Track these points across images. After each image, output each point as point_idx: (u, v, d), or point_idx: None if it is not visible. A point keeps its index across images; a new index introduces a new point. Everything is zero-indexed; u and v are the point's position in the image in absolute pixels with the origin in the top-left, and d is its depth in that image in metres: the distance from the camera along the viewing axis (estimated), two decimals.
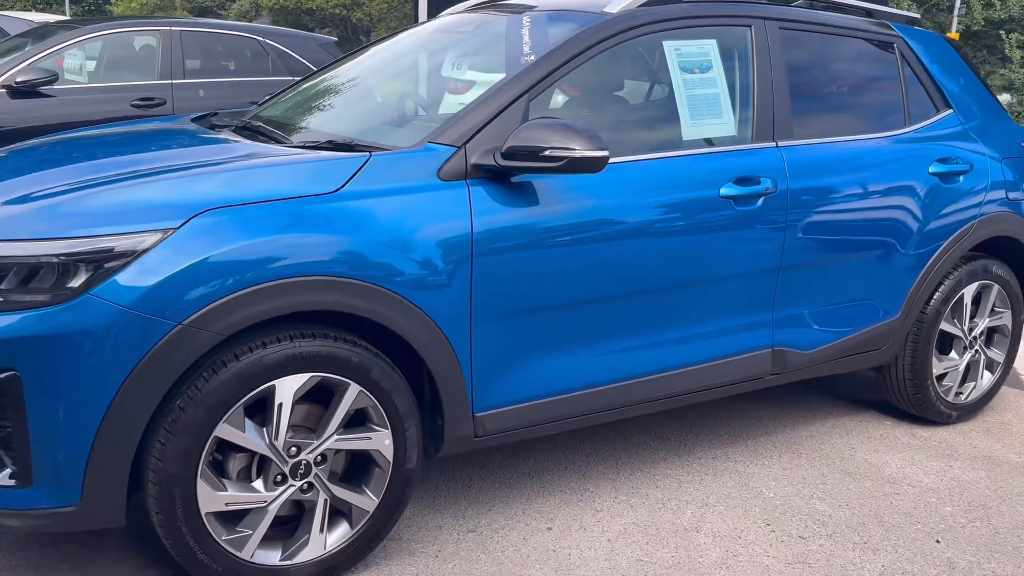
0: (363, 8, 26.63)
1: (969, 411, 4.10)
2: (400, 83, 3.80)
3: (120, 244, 2.27)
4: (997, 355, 4.11)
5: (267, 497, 2.50)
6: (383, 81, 3.78)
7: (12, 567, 2.65)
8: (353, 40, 26.85)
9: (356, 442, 2.61)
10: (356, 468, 2.68)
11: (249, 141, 2.99)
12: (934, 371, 3.90)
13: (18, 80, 6.43)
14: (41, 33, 7.29)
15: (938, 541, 3.08)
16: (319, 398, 2.55)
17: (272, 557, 2.56)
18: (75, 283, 2.24)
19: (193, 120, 3.54)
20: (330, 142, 2.89)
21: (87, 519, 2.34)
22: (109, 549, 2.76)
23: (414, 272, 2.58)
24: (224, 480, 2.46)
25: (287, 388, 2.45)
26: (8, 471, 2.30)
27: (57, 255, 2.24)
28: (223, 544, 2.46)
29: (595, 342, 3.00)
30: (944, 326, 3.88)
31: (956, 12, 19.11)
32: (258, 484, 2.50)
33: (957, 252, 3.79)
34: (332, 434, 2.55)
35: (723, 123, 3.27)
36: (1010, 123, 4.19)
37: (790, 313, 3.44)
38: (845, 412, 4.12)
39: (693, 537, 3.01)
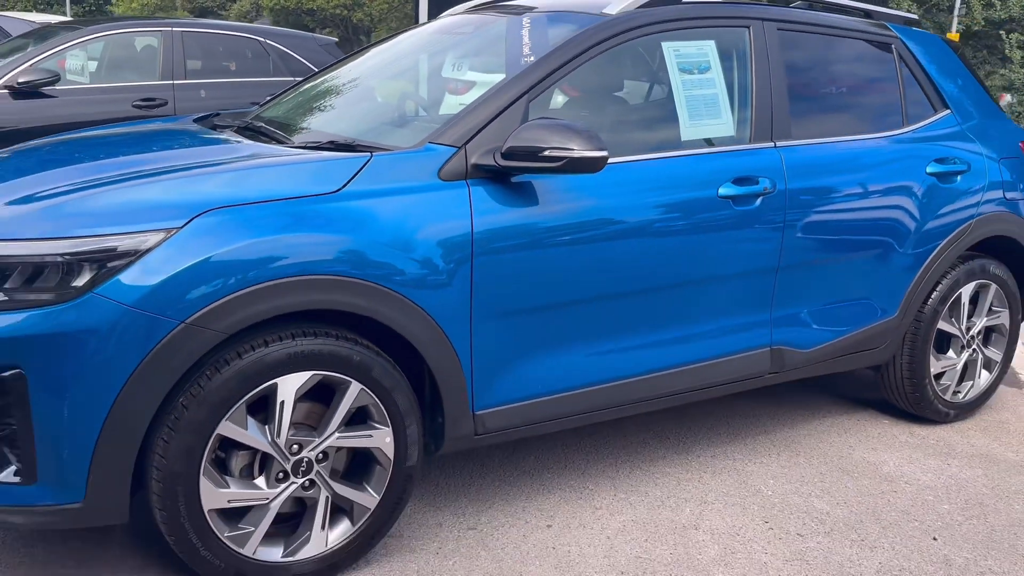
0: (364, 8, 26.65)
1: (967, 410, 4.12)
2: (401, 84, 3.82)
3: (123, 243, 2.29)
4: (995, 354, 4.14)
5: (269, 494, 2.52)
6: (384, 82, 3.80)
7: (17, 564, 2.68)
8: (354, 40, 26.87)
9: (357, 440, 2.63)
10: (357, 466, 2.70)
11: (251, 141, 3.02)
12: (932, 370, 3.92)
13: (20, 81, 6.45)
14: (43, 34, 7.32)
15: (935, 538, 3.10)
16: (321, 396, 2.57)
17: (274, 554, 2.58)
18: (79, 282, 2.26)
19: (195, 120, 3.56)
20: (331, 142, 2.91)
21: (91, 516, 2.37)
22: (113, 546, 2.78)
23: (415, 271, 2.60)
24: (227, 477, 2.49)
25: (289, 386, 2.47)
26: (13, 468, 2.32)
27: (61, 254, 2.27)
28: (225, 541, 2.48)
29: (594, 341, 3.02)
30: (942, 325, 3.91)
31: (956, 12, 19.12)
32: (260, 481, 2.53)
33: (955, 252, 3.81)
34: (333, 432, 2.58)
35: (722, 123, 3.30)
36: (1008, 123, 4.22)
37: (788, 312, 3.46)
38: (843, 411, 4.14)
39: (692, 534, 3.03)
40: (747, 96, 3.34)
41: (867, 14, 3.95)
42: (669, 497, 3.27)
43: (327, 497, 2.61)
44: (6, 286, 2.26)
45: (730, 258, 3.23)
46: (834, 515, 3.21)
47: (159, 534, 2.49)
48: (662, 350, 3.17)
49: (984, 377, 4.13)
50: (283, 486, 2.54)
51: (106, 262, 2.27)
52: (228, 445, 2.48)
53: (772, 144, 3.35)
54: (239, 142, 3.02)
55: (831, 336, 3.58)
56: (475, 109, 2.85)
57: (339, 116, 3.50)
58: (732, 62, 3.36)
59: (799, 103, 3.49)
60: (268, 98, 3.95)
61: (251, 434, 2.46)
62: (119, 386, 2.28)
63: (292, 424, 2.52)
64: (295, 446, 2.53)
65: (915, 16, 4.23)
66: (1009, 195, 3.99)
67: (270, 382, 2.44)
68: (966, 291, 3.93)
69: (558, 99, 3.31)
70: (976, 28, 19.18)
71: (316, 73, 4.00)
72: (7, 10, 20.72)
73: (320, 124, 3.37)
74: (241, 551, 2.51)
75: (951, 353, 4.00)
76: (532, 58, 3.06)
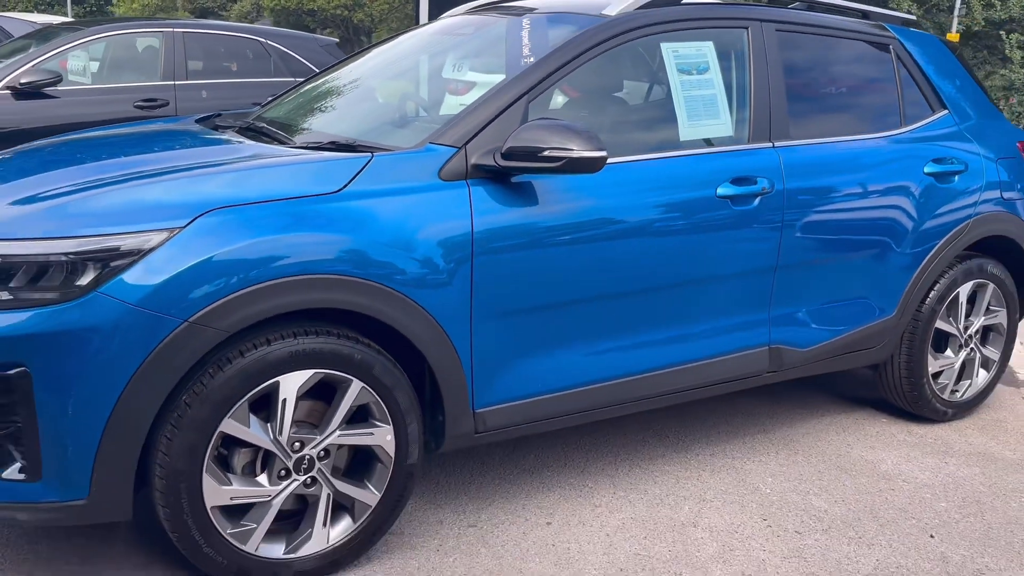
0: (364, 9, 26.66)
1: (965, 409, 4.14)
2: (401, 84, 3.84)
3: (127, 243, 2.32)
4: (992, 353, 4.15)
5: (271, 491, 2.54)
6: (385, 82, 3.82)
7: (21, 561, 2.70)
8: (354, 41, 26.88)
9: (358, 438, 2.65)
10: (359, 463, 2.72)
11: (253, 142, 3.04)
12: (930, 369, 3.94)
13: (22, 81, 6.47)
14: (45, 35, 7.34)
15: (932, 536, 3.13)
16: (322, 394, 2.59)
17: (276, 550, 2.60)
18: (83, 281, 2.28)
19: (197, 121, 3.58)
20: (333, 143, 2.93)
21: (95, 513, 2.39)
22: (117, 543, 2.80)
23: (415, 271, 2.62)
24: (229, 475, 2.51)
25: (291, 384, 2.49)
26: (18, 465, 2.34)
27: (65, 254, 2.29)
28: (228, 537, 2.51)
29: (594, 339, 3.04)
30: (940, 324, 3.93)
31: (956, 12, 19.13)
32: (262, 479, 2.55)
33: (952, 251, 3.83)
34: (335, 430, 2.60)
35: (720, 124, 3.32)
36: (1005, 124, 4.24)
37: (787, 311, 3.48)
38: (842, 409, 4.16)
39: (690, 532, 3.05)
40: (745, 96, 3.37)
41: (865, 15, 3.98)
42: (668, 495, 3.29)
43: (329, 494, 2.64)
44: (11, 285, 2.29)
45: (728, 258, 3.25)
46: (832, 513, 3.23)
47: (162, 531, 2.52)
48: (661, 349, 3.19)
49: (982, 376, 4.15)
50: (285, 483, 2.56)
51: (109, 261, 2.29)
52: (230, 443, 2.50)
53: (770, 144, 3.37)
54: (241, 142, 3.04)
55: (829, 335, 3.60)
56: (475, 110, 2.87)
57: (340, 117, 3.52)
58: (731, 63, 3.38)
59: (797, 103, 3.51)
60: (269, 99, 3.98)
61: (253, 432, 2.49)
62: (123, 384, 2.30)
63: (294, 422, 2.54)
64: (297, 444, 2.55)
65: (913, 17, 4.25)
66: (1007, 195, 4.01)
67: (272, 380, 2.46)
68: (964, 290, 3.95)
69: (558, 99, 3.33)
70: (976, 28, 19.19)
71: (317, 74, 4.02)
72: (8, 10, 20.75)
73: (321, 125, 3.39)
74: (243, 548, 2.54)
75: (949, 352, 4.02)
76: (532, 59, 3.08)
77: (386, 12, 26.32)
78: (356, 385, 2.58)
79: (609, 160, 2.80)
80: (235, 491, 2.50)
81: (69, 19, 19.12)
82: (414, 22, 13.32)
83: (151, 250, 2.32)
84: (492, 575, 2.76)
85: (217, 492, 2.46)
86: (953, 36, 17.73)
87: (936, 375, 3.99)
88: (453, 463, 3.44)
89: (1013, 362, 4.78)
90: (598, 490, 3.29)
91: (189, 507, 2.43)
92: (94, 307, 2.27)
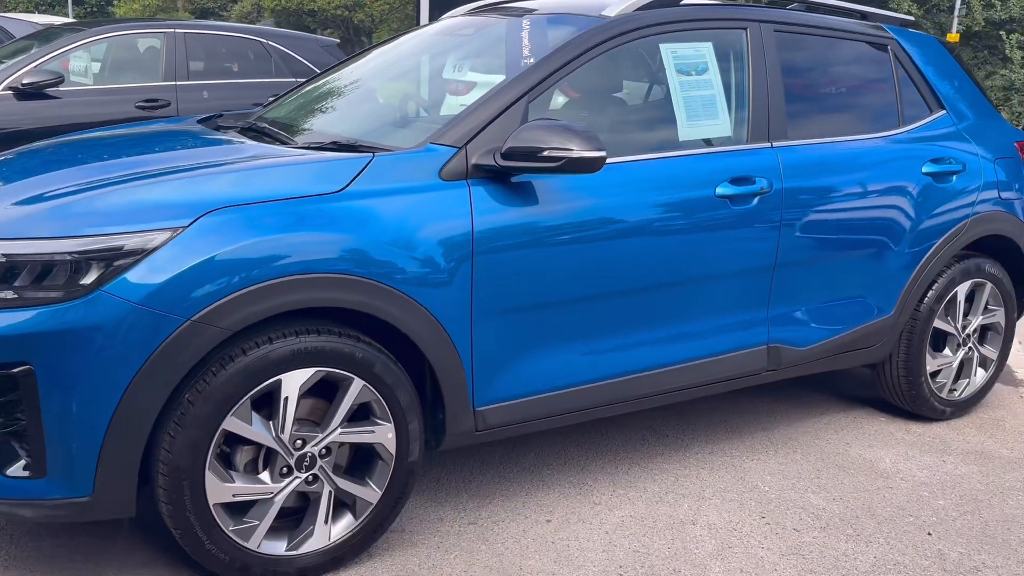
0: (365, 10, 26.68)
1: (963, 407, 4.16)
2: (402, 85, 3.86)
3: (130, 242, 2.34)
4: (990, 352, 4.17)
5: (273, 489, 2.56)
6: (386, 83, 3.85)
7: (25, 557, 2.72)
8: (355, 41, 26.90)
9: (360, 435, 2.67)
10: (360, 461, 2.74)
11: (254, 142, 3.06)
12: (928, 368, 3.96)
13: (24, 82, 6.50)
14: (47, 35, 7.37)
15: (930, 533, 3.14)
16: (324, 392, 2.61)
17: (278, 547, 2.62)
18: (87, 280, 2.30)
19: (199, 121, 3.60)
20: (334, 143, 2.95)
21: (99, 510, 2.41)
22: (119, 540, 2.82)
23: (416, 270, 2.64)
24: (231, 472, 2.53)
25: (293, 382, 2.51)
26: (22, 462, 2.36)
27: (69, 253, 2.31)
28: (230, 534, 2.52)
29: (593, 338, 3.06)
30: (938, 324, 3.94)
31: (956, 13, 19.14)
32: (264, 476, 2.57)
33: (950, 251, 3.85)
34: (336, 427, 2.62)
35: (719, 124, 3.34)
36: (1003, 124, 4.26)
37: (785, 310, 3.50)
38: (840, 408, 4.18)
39: (689, 529, 3.07)
40: (744, 97, 3.39)
41: (863, 16, 4.00)
42: (667, 493, 3.31)
43: (330, 492, 2.66)
44: (16, 284, 2.31)
45: (727, 257, 3.27)
46: (830, 511, 3.25)
47: (165, 528, 2.54)
48: (660, 347, 3.21)
49: (980, 375, 4.17)
50: (287, 481, 2.58)
51: (113, 260, 2.31)
52: (233, 440, 2.52)
53: (769, 144, 3.39)
54: (242, 143, 3.06)
55: (828, 334, 3.62)
56: (476, 110, 2.89)
57: (341, 117, 3.54)
58: (729, 63, 3.40)
59: (796, 104, 3.53)
60: (271, 99, 4.00)
61: (256, 429, 2.51)
62: (126, 382, 2.32)
63: (296, 420, 2.56)
64: (299, 441, 2.57)
65: (911, 18, 4.27)
66: (1004, 195, 4.03)
67: (274, 378, 2.48)
68: (962, 290, 3.97)
69: (558, 100, 3.35)
70: (976, 29, 19.20)
71: (318, 75, 4.04)
72: (8, 11, 20.78)
73: (323, 125, 3.41)
74: (246, 544, 2.55)
75: (947, 351, 4.04)
76: (532, 59, 3.10)
77: (387, 13, 26.35)
78: (357, 383, 2.60)
79: (608, 160, 2.82)
80: (237, 488, 2.52)
81: (70, 20, 19.15)
82: (415, 23, 13.34)
83: (154, 249, 2.34)
84: (492, 572, 2.78)
85: (220, 489, 2.48)
86: (953, 36, 17.74)
87: (934, 374, 4.01)
88: (453, 461, 3.46)
89: (1011, 361, 4.80)
90: (598, 488, 3.31)
91: (192, 504, 2.44)
92: (98, 306, 2.29)
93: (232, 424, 2.46)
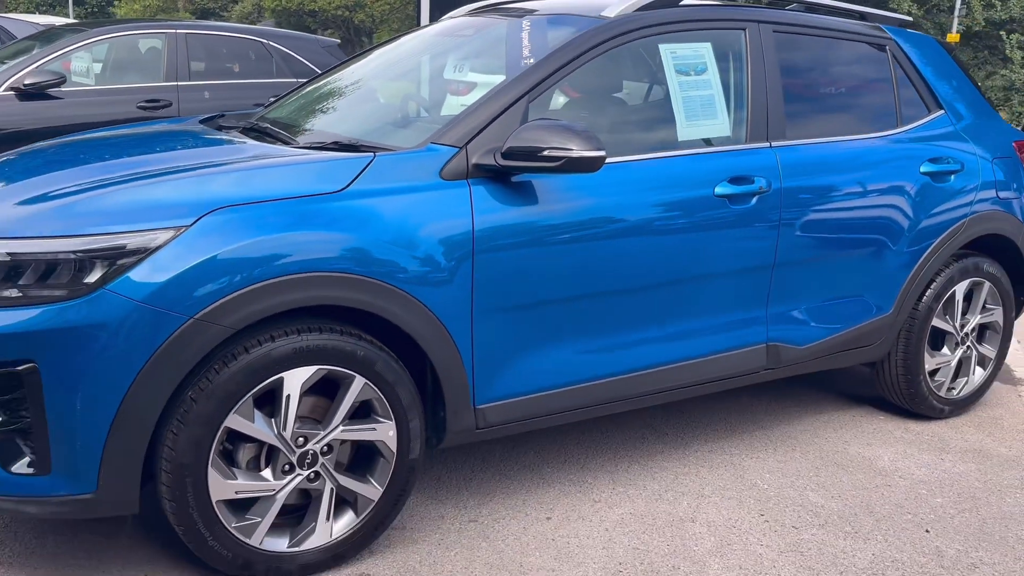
0: (365, 10, 26.71)
1: (961, 406, 4.18)
2: (403, 85, 3.88)
3: (133, 241, 2.35)
4: (989, 351, 4.19)
5: (275, 486, 2.58)
6: (386, 83, 3.86)
7: (28, 554, 2.74)
8: (355, 42, 26.93)
9: (361, 433, 2.69)
10: (361, 458, 2.76)
11: (256, 142, 3.08)
12: (926, 367, 3.98)
13: (26, 83, 6.51)
14: (48, 36, 7.39)
15: (928, 531, 3.16)
16: (325, 390, 2.63)
17: (280, 544, 2.64)
18: (91, 279, 2.32)
19: (201, 121, 3.62)
20: (335, 143, 2.97)
21: (102, 507, 2.43)
22: (122, 537, 2.84)
23: (417, 269, 2.66)
24: (234, 469, 2.54)
25: (295, 380, 2.53)
26: (27, 459, 2.38)
27: (73, 252, 2.33)
28: (233, 531, 2.54)
29: (594, 337, 3.08)
30: (936, 322, 3.96)
31: (957, 13, 19.16)
32: (267, 473, 2.59)
33: (948, 250, 3.87)
34: (338, 425, 2.64)
35: (718, 124, 3.35)
36: (1001, 124, 4.27)
37: (784, 309, 3.52)
38: (839, 407, 4.20)
39: (689, 527, 3.09)
40: (743, 97, 3.40)
41: (862, 16, 4.01)
42: (667, 491, 3.32)
43: (332, 489, 2.67)
44: (20, 282, 2.33)
45: (726, 256, 3.29)
46: (829, 508, 3.27)
47: (168, 525, 2.55)
48: (660, 346, 3.23)
49: (978, 374, 4.19)
50: (289, 478, 2.60)
51: (116, 259, 2.33)
52: (235, 438, 2.54)
53: (767, 144, 3.40)
54: (244, 142, 3.08)
55: (826, 333, 3.64)
56: (476, 110, 2.91)
57: (343, 117, 3.56)
58: (728, 64, 3.41)
59: (794, 104, 3.55)
60: (272, 99, 4.02)
61: (258, 427, 2.53)
62: (130, 380, 2.34)
63: (298, 417, 2.58)
64: (301, 439, 2.59)
65: (909, 18, 4.28)
66: (1002, 194, 4.04)
67: (276, 376, 2.50)
68: (960, 289, 3.98)
69: (558, 100, 3.37)
70: (977, 29, 19.23)
71: (320, 75, 4.06)
72: (9, 11, 20.80)
73: (324, 125, 3.43)
74: (248, 541, 2.57)
75: (945, 350, 4.06)
76: (532, 60, 3.12)
77: (387, 13, 26.38)
78: (359, 381, 2.62)
79: (608, 160, 2.84)
80: (240, 485, 2.54)
81: (71, 20, 19.16)
82: (415, 23, 13.35)
83: (157, 248, 2.36)
84: (492, 569, 2.80)
85: (222, 486, 2.50)
86: (953, 37, 17.75)
87: (933, 373, 4.03)
88: (454, 459, 3.47)
89: (1009, 360, 4.82)
90: (597, 486, 3.33)
91: (195, 501, 2.46)
92: (101, 304, 2.31)
93: (235, 421, 2.48)
